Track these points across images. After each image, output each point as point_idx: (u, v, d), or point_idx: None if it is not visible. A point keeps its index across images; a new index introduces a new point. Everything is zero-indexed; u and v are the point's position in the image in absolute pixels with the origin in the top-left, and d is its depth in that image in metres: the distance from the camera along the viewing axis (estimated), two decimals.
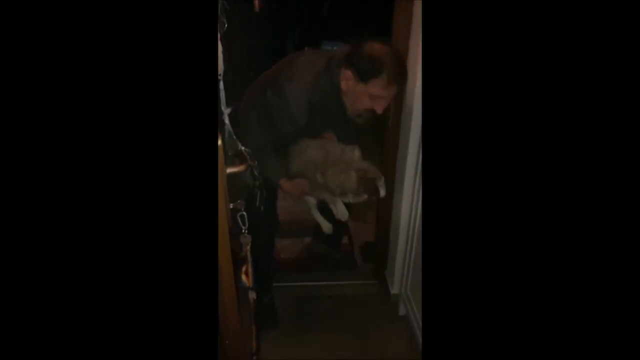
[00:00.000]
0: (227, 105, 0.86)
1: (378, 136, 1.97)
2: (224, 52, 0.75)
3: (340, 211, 1.45)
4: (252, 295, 1.13)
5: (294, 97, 1.29)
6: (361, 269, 2.31)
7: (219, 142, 0.75)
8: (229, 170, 0.89)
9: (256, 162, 1.01)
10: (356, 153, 1.37)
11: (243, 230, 1.02)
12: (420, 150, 1.57)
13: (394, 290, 1.99)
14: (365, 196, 1.36)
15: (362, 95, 1.28)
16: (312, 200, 1.58)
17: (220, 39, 0.74)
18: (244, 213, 1.00)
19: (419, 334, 1.70)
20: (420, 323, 1.69)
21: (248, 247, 1.05)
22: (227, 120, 0.89)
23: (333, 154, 1.37)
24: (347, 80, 1.28)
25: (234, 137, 0.94)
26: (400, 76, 1.27)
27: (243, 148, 0.97)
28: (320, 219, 1.65)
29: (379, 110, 1.29)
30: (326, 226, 1.66)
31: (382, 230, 2.09)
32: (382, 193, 1.36)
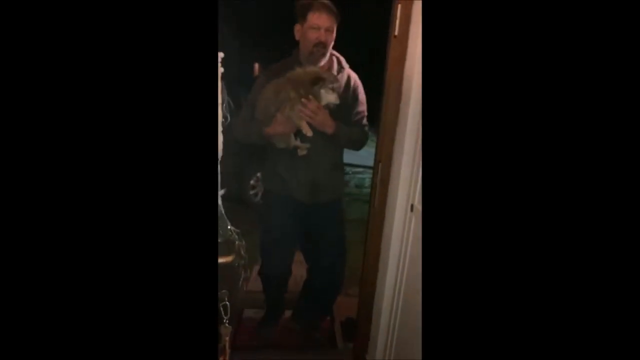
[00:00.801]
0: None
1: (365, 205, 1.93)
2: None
3: (307, 129, 1.61)
4: None
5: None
6: (342, 350, 2.16)
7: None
8: (219, 260, 0.85)
9: (244, 242, 1.05)
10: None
11: (225, 321, 0.93)
12: (405, 220, 1.54)
13: None
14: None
15: (306, 33, 1.62)
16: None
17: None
18: (227, 303, 0.92)
19: None
20: None
21: (227, 338, 0.97)
22: (219, 201, 0.86)
23: (282, 90, 1.60)
24: (297, 32, 1.66)
25: (224, 215, 0.90)
26: (328, 9, 1.60)
27: (232, 227, 0.93)
28: (297, 143, 1.72)
29: (320, 38, 1.60)
30: (301, 146, 1.71)
31: (365, 305, 1.98)
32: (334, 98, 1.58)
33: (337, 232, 1.94)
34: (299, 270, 2.15)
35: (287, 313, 2.25)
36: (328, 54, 1.69)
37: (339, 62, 1.75)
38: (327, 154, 1.77)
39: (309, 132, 1.61)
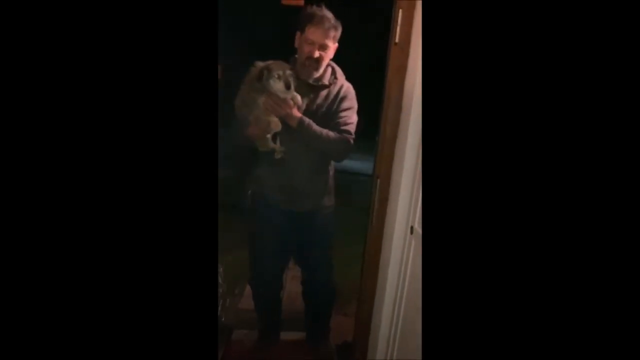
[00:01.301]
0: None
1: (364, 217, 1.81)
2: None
3: (275, 124, 1.58)
4: None
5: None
6: None
7: None
8: None
9: (221, 268, 0.98)
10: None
11: None
12: (405, 243, 1.41)
13: None
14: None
15: (302, 44, 1.59)
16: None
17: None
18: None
19: None
20: None
21: None
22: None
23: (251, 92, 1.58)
24: (297, 39, 1.62)
25: None
26: (327, 24, 1.54)
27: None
28: (274, 145, 1.67)
29: (312, 54, 1.56)
30: (278, 148, 1.67)
31: (362, 326, 1.86)
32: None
33: (323, 244, 1.86)
34: (296, 286, 2.03)
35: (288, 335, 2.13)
36: (321, 69, 1.63)
37: (334, 73, 1.68)
38: (306, 158, 1.67)
39: (277, 127, 1.56)
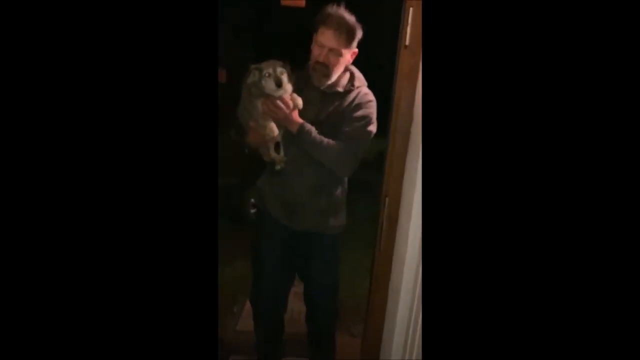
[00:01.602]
0: None
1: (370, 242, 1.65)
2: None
3: (270, 129, 1.47)
4: None
5: None
6: None
7: None
8: None
9: None
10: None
11: None
12: (418, 271, 1.26)
13: None
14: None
15: (314, 46, 1.46)
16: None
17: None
18: None
19: None
20: None
21: None
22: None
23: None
24: (313, 42, 1.47)
25: None
26: (340, 27, 1.40)
27: None
28: (275, 155, 1.56)
29: (319, 58, 1.43)
30: (279, 158, 1.55)
31: (370, 350, 1.71)
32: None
33: (328, 269, 1.68)
34: (300, 304, 1.88)
35: None
36: (333, 77, 1.47)
37: (352, 79, 1.51)
38: (308, 171, 1.51)
39: (272, 132, 1.44)
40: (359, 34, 1.44)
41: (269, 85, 1.38)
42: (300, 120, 1.44)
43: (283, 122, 1.44)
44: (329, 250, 1.65)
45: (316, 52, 1.44)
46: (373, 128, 1.50)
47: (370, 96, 1.51)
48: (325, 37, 1.40)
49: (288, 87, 1.40)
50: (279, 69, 1.39)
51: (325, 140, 1.44)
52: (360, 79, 1.53)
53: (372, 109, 1.49)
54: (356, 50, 1.48)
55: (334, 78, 1.47)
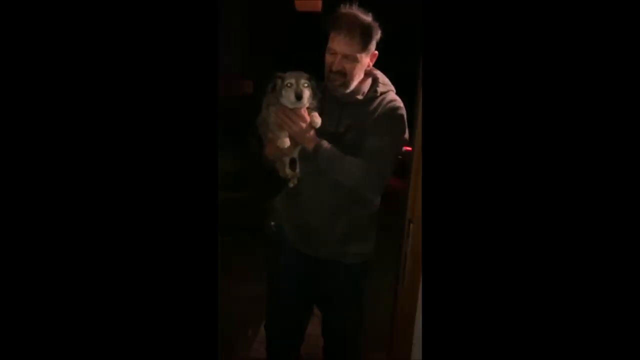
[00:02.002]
0: None
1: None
2: None
3: (282, 141, 1.32)
4: None
5: None
6: None
7: None
8: None
9: None
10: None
11: None
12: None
13: None
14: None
15: (327, 54, 1.31)
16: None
17: None
18: None
19: None
20: None
21: None
22: None
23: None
24: (326, 49, 1.32)
25: None
26: (354, 30, 1.24)
27: None
28: (289, 172, 1.43)
29: (333, 66, 1.28)
30: (292, 175, 1.42)
31: None
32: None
33: (350, 303, 1.48)
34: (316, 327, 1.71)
35: None
36: (352, 85, 1.32)
37: (375, 84, 1.35)
38: (323, 190, 1.35)
39: (285, 143, 1.30)
40: (377, 35, 1.28)
41: (288, 95, 1.26)
42: (317, 138, 1.29)
43: (298, 138, 1.30)
44: (351, 282, 1.46)
45: (329, 60, 1.30)
46: (403, 139, 1.33)
47: (398, 102, 1.34)
48: (337, 43, 1.26)
49: (307, 101, 1.27)
50: (303, 81, 1.27)
51: (347, 158, 1.28)
52: (385, 84, 1.37)
53: (399, 119, 1.32)
54: (376, 52, 1.32)
55: (353, 86, 1.32)
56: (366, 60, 1.31)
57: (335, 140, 1.30)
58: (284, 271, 1.50)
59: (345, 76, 1.28)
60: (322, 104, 1.34)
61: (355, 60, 1.27)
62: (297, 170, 1.41)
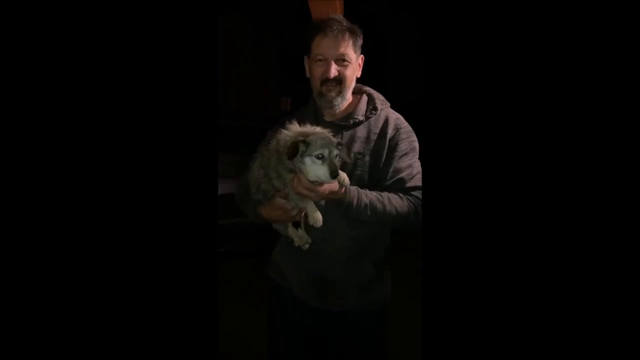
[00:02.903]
0: None
1: None
2: None
3: (314, 217, 1.09)
4: None
5: None
6: None
7: None
8: None
9: None
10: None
11: None
12: None
13: None
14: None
15: (313, 67, 1.19)
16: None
17: None
18: None
19: None
20: None
21: None
22: None
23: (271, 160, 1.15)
24: (306, 66, 1.24)
25: None
26: (340, 28, 1.14)
27: None
28: (294, 232, 1.21)
29: (325, 74, 1.16)
30: (301, 237, 1.18)
31: None
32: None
33: (371, 356, 1.26)
34: None
35: None
36: (347, 93, 1.20)
37: (371, 102, 1.23)
38: (342, 236, 1.16)
39: (317, 222, 1.08)
40: (360, 37, 1.19)
41: (319, 171, 1.03)
42: (343, 192, 1.08)
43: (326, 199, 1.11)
44: (373, 330, 1.25)
45: (319, 70, 1.16)
46: (419, 163, 1.18)
47: (402, 121, 1.22)
48: (325, 46, 1.14)
49: (343, 176, 1.08)
50: (335, 151, 1.04)
51: (385, 200, 1.10)
52: (381, 100, 1.24)
53: (412, 137, 1.20)
54: (362, 56, 1.23)
55: (349, 94, 1.20)
56: (356, 63, 1.20)
57: (349, 175, 1.12)
58: (287, 336, 1.29)
59: (342, 82, 1.16)
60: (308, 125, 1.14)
61: (349, 62, 1.16)
62: (301, 229, 1.18)
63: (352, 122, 1.20)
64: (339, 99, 1.19)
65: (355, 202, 1.09)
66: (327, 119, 1.23)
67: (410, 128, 1.22)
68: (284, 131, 1.11)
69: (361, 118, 1.21)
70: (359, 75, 1.25)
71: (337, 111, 1.22)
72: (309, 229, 1.15)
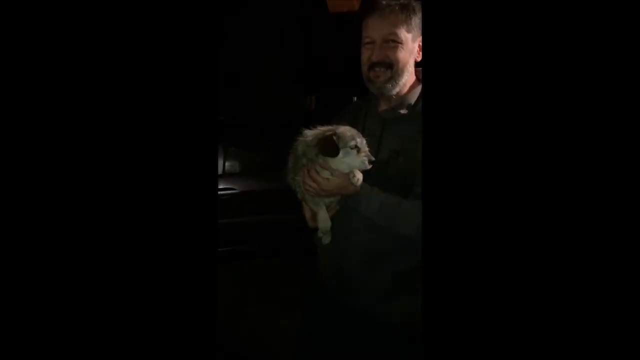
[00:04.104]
0: None
1: None
2: None
3: (322, 221, 1.07)
4: None
5: None
6: None
7: None
8: None
9: None
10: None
11: None
12: None
13: None
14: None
15: (363, 48, 1.06)
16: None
17: None
18: None
19: None
20: None
21: None
22: None
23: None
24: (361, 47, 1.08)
25: None
26: (390, 10, 1.00)
27: None
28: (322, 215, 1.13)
29: (373, 57, 1.03)
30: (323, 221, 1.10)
31: None
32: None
33: None
34: None
35: None
36: (402, 79, 1.05)
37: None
38: (358, 231, 1.07)
39: (327, 225, 1.06)
40: (420, 14, 1.02)
41: (355, 161, 0.99)
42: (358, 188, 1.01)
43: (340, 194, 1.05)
44: (395, 347, 1.07)
45: (366, 54, 1.05)
46: None
47: None
48: (372, 26, 1.02)
49: (358, 175, 1.02)
50: (361, 140, 1.01)
51: (402, 205, 0.99)
52: None
53: None
54: (420, 39, 1.05)
55: (403, 81, 1.05)
56: (413, 45, 1.04)
57: (375, 171, 1.02)
58: (315, 322, 1.22)
59: (392, 67, 1.02)
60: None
61: (400, 43, 1.01)
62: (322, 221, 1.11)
63: (396, 115, 1.07)
64: (389, 86, 1.05)
65: (365, 200, 1.00)
66: (383, 108, 1.10)
67: None
68: (301, 138, 1.06)
69: (403, 112, 1.07)
70: (418, 59, 1.08)
71: (392, 99, 1.08)
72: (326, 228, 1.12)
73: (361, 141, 1.00)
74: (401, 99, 1.08)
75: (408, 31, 1.03)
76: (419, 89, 1.09)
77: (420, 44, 1.07)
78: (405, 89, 1.08)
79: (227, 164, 3.80)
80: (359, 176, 1.01)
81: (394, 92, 1.07)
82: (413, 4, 1.03)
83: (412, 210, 0.96)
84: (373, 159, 1.00)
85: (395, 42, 1.02)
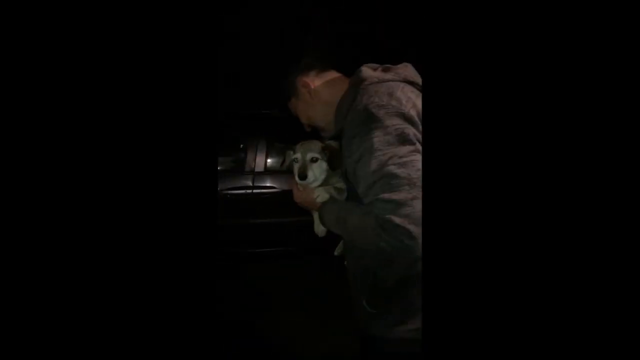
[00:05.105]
0: None
1: None
2: None
3: (316, 228, 1.14)
4: None
5: None
6: None
7: None
8: None
9: None
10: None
11: None
12: None
13: None
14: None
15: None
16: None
17: None
18: None
19: None
20: None
21: None
22: None
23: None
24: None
25: None
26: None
27: None
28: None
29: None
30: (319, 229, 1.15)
31: None
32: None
33: None
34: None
35: None
36: (318, 119, 1.15)
37: (352, 93, 1.04)
38: (350, 254, 1.08)
39: (319, 233, 1.14)
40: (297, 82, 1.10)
41: (295, 172, 1.10)
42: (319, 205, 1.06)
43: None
44: None
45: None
46: (414, 165, 0.82)
47: (370, 99, 0.93)
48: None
49: (313, 180, 1.08)
50: (310, 155, 1.08)
51: (353, 212, 0.93)
52: (365, 79, 0.99)
53: (368, 128, 0.87)
54: (305, 80, 1.09)
55: (321, 118, 1.09)
56: (304, 96, 1.09)
57: (348, 186, 1.04)
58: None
59: (313, 124, 1.14)
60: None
61: (294, 104, 1.14)
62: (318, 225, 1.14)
63: (332, 131, 1.08)
64: (327, 133, 1.12)
65: (325, 215, 1.02)
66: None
67: (370, 112, 0.87)
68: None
69: (331, 125, 1.07)
70: (313, 87, 1.09)
71: (334, 130, 1.05)
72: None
73: (302, 155, 1.08)
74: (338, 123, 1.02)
75: (296, 98, 1.11)
76: (347, 93, 0.99)
77: (311, 84, 1.09)
78: (330, 116, 1.04)
79: (269, 160, 3.71)
80: (322, 194, 1.05)
81: (325, 125, 1.10)
82: (291, 82, 1.11)
83: (357, 216, 0.90)
84: (305, 175, 1.06)
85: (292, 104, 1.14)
